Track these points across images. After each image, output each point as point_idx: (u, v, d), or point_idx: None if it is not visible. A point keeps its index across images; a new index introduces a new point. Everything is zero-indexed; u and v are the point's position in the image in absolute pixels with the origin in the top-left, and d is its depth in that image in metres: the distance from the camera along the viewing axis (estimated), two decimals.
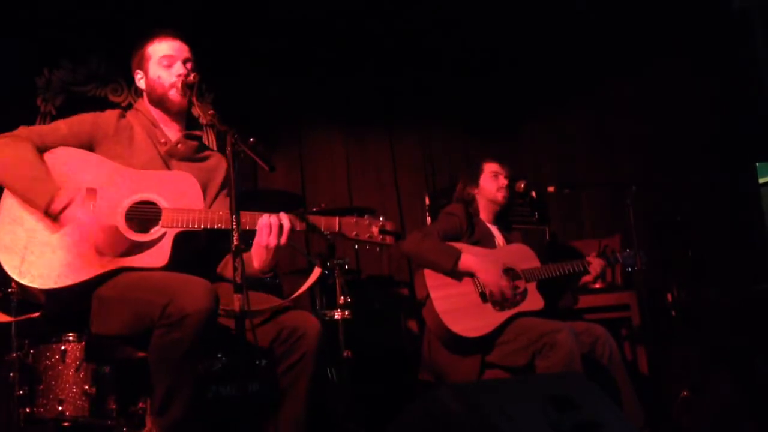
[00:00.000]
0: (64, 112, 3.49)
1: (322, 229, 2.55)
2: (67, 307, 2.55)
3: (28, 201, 2.47)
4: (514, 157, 5.45)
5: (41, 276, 2.41)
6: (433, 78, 5.54)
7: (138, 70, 2.78)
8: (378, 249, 2.61)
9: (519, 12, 5.41)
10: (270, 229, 2.47)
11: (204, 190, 2.66)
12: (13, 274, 2.41)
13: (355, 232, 2.56)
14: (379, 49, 5.43)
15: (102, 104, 4.87)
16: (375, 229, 2.56)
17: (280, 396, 2.50)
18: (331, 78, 5.37)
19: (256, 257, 2.54)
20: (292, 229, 2.50)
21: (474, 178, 4.00)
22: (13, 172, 2.49)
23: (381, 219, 2.60)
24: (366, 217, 2.59)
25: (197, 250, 2.63)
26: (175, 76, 2.67)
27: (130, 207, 2.53)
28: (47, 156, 2.57)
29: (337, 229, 2.56)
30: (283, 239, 2.48)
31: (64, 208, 2.44)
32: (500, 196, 3.94)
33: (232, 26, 5.12)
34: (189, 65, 2.71)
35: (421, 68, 5.51)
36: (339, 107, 5.44)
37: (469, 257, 3.62)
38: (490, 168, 3.99)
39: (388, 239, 2.57)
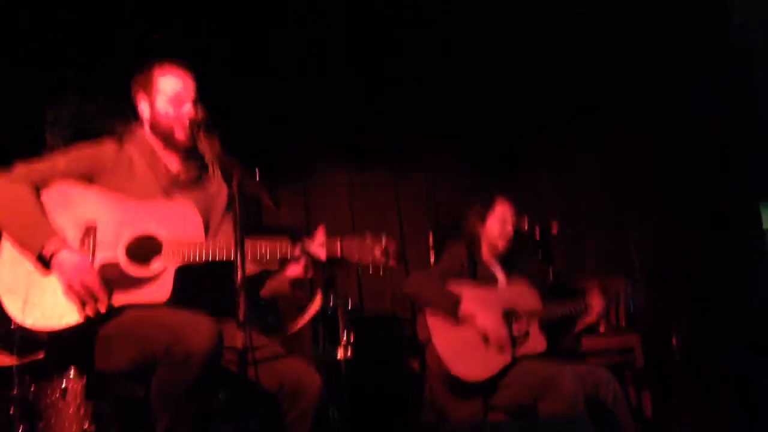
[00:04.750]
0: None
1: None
2: (70, 346, 2.53)
3: (22, 246, 2.45)
4: (517, 195, 5.44)
5: (44, 317, 2.39)
6: (437, 114, 5.54)
7: (143, 94, 2.74)
8: (381, 272, 2.54)
9: (522, 49, 5.43)
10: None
11: (207, 217, 2.65)
12: (17, 317, 2.40)
13: (357, 257, 2.50)
14: (383, 86, 5.46)
15: None
16: (378, 252, 2.50)
17: None
18: (336, 114, 5.38)
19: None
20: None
21: (483, 215, 3.95)
22: (8, 216, 2.47)
23: (383, 239, 2.53)
24: (366, 234, 2.53)
25: (200, 282, 2.60)
26: (185, 118, 2.67)
27: (130, 241, 2.51)
28: (45, 193, 2.54)
29: (339, 254, 2.51)
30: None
31: (54, 254, 2.40)
32: (501, 244, 3.91)
33: (237, 62, 5.16)
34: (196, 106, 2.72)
35: (425, 104, 5.52)
36: (344, 144, 5.45)
37: (468, 305, 3.58)
38: (501, 210, 3.94)
39: (391, 261, 2.53)
